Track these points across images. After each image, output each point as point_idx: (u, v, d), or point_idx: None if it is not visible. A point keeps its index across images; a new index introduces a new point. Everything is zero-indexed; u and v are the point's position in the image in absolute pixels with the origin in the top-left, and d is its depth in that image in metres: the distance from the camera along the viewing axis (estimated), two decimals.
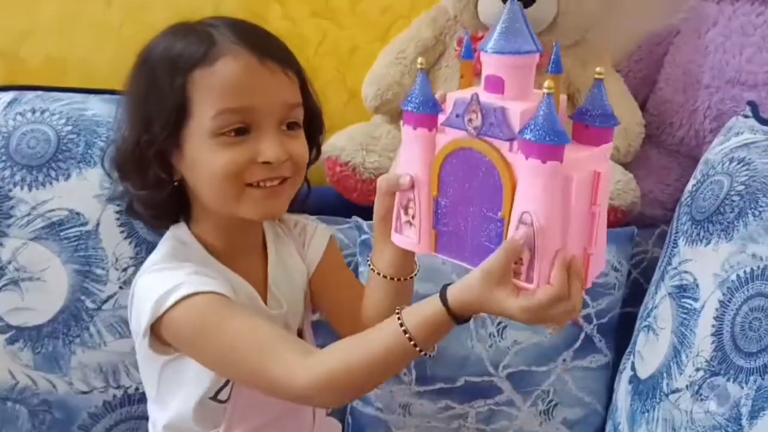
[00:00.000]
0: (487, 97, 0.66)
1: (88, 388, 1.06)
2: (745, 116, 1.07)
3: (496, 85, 0.65)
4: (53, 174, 1.06)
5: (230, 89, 0.81)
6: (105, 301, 1.05)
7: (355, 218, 1.20)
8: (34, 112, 1.09)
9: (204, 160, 0.82)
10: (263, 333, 0.79)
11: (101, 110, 1.10)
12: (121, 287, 1.05)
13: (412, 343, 0.72)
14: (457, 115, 0.67)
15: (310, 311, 0.99)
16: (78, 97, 1.12)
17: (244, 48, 0.82)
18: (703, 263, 0.97)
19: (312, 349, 0.78)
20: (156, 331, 0.83)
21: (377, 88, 1.24)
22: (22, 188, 1.05)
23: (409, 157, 0.73)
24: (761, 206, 0.93)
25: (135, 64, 0.87)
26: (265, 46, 0.84)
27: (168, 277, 0.83)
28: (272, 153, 0.81)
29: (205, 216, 0.88)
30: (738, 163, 1.00)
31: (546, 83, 0.62)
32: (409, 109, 0.70)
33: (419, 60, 0.72)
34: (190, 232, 0.89)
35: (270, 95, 0.82)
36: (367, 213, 1.23)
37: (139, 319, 0.83)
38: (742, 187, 0.97)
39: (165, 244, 0.89)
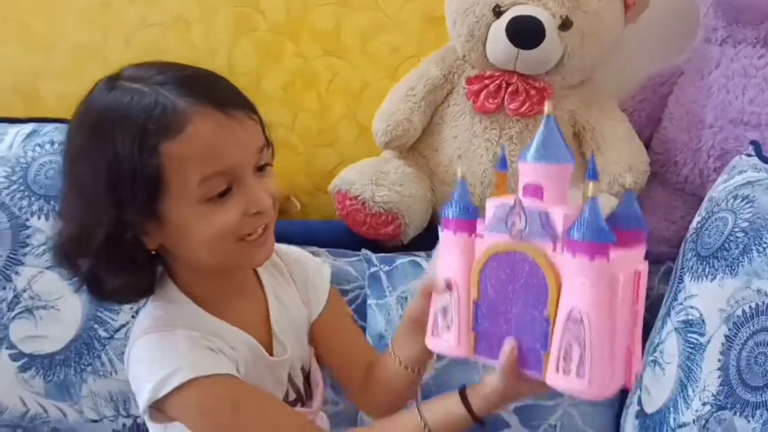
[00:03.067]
0: (528, 203, 0.69)
1: (98, 416, 1.07)
2: (748, 155, 1.09)
3: (535, 192, 0.69)
4: None
5: (209, 154, 0.77)
6: (117, 330, 1.07)
7: (364, 251, 1.21)
8: (52, 143, 1.12)
9: (197, 227, 0.79)
10: (272, 419, 0.80)
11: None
12: (133, 316, 1.07)
13: None
14: (498, 221, 0.70)
15: (313, 350, 0.97)
16: None
17: (207, 106, 0.77)
18: (708, 299, 0.98)
19: (307, 426, 0.80)
20: (158, 405, 0.80)
21: (387, 124, 1.27)
22: (39, 218, 1.07)
23: (448, 262, 0.74)
24: (765, 242, 0.95)
25: (79, 129, 0.80)
26: (224, 96, 0.79)
27: (164, 353, 0.80)
28: (261, 203, 0.80)
29: (191, 274, 0.85)
30: (742, 201, 1.02)
31: (590, 187, 0.66)
32: (450, 215, 0.73)
33: (460, 171, 0.74)
34: (177, 289, 0.85)
35: (245, 147, 0.80)
36: (375, 246, 1.26)
37: (138, 393, 0.81)
38: (747, 224, 0.98)
39: (153, 305, 0.85)
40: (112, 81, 0.80)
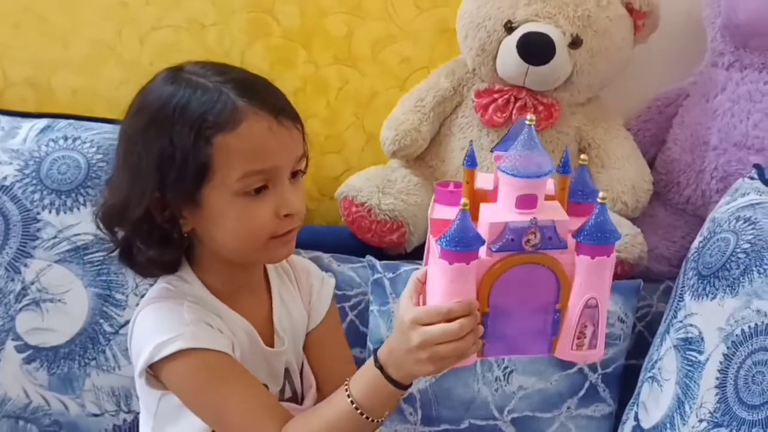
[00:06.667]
0: (526, 215, 0.73)
1: (99, 411, 1.08)
2: (751, 178, 1.11)
3: (529, 202, 0.73)
4: (81, 200, 1.10)
5: (256, 152, 0.84)
6: (122, 326, 1.08)
7: (368, 258, 1.23)
8: (66, 139, 1.13)
9: (230, 218, 0.85)
10: (252, 403, 0.83)
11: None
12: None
13: (359, 412, 0.78)
14: (512, 240, 0.72)
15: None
16: (108, 127, 1.17)
17: (262, 109, 0.84)
18: (708, 317, 1.00)
19: (286, 421, 0.82)
20: (153, 370, 0.85)
21: (396, 133, 1.28)
22: (50, 212, 1.09)
23: (453, 290, 0.73)
24: (766, 264, 0.96)
25: (139, 112, 0.86)
26: (278, 104, 0.87)
27: (168, 321, 0.85)
28: (294, 206, 0.86)
29: (210, 259, 0.90)
30: (744, 222, 1.03)
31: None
32: (457, 248, 0.71)
33: (463, 201, 0.72)
34: (192, 271, 0.91)
35: (288, 152, 0.86)
36: (380, 253, 1.27)
37: (138, 356, 0.85)
38: (748, 245, 1.00)
39: (165, 281, 0.91)
40: (175, 73, 0.87)
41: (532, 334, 0.76)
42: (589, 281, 0.75)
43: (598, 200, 0.73)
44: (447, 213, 0.76)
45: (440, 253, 0.72)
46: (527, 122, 0.73)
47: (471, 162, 0.77)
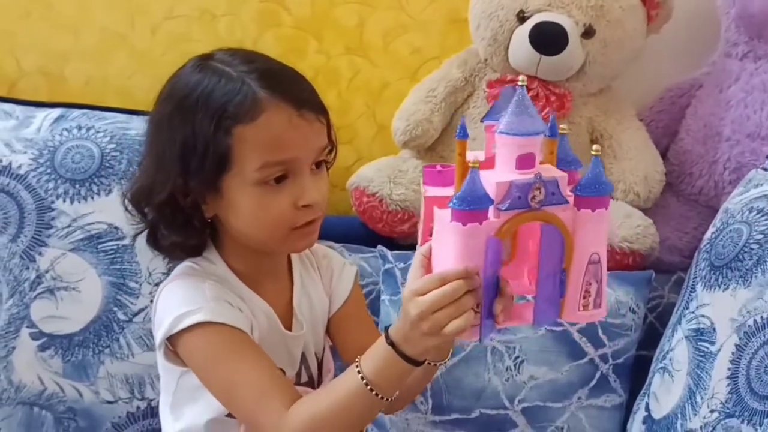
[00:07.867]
0: (528, 173, 0.74)
1: (113, 398, 1.09)
2: (765, 169, 1.11)
3: (528, 161, 0.74)
4: (95, 189, 1.11)
5: (274, 144, 0.85)
6: (136, 314, 1.09)
7: (380, 247, 1.23)
8: (80, 128, 1.14)
9: (248, 207, 0.86)
10: (264, 380, 0.84)
11: (144, 130, 1.15)
12: (152, 301, 1.08)
13: (369, 389, 0.78)
14: (519, 197, 0.73)
15: (327, 338, 1.02)
16: (121, 116, 1.18)
17: (283, 101, 0.85)
18: (720, 308, 1.00)
19: (296, 401, 0.83)
20: (173, 344, 0.87)
21: (407, 123, 1.29)
22: (64, 201, 1.10)
23: (467, 252, 0.73)
24: None
25: (167, 99, 0.88)
26: (301, 96, 0.87)
27: (189, 295, 0.87)
28: (312, 197, 0.86)
29: (234, 245, 0.92)
30: (757, 213, 1.03)
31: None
32: (472, 208, 0.71)
33: (474, 159, 0.73)
34: (218, 254, 0.93)
35: (309, 144, 0.87)
36: (391, 243, 1.27)
37: (159, 328, 0.87)
38: (761, 236, 1.00)
39: (191, 260, 0.92)
40: (204, 60, 0.89)
41: (543, 300, 0.76)
42: (591, 236, 0.75)
43: (592, 153, 0.74)
44: (440, 192, 0.76)
45: (453, 216, 0.71)
46: (519, 83, 0.74)
47: (463, 133, 0.77)
